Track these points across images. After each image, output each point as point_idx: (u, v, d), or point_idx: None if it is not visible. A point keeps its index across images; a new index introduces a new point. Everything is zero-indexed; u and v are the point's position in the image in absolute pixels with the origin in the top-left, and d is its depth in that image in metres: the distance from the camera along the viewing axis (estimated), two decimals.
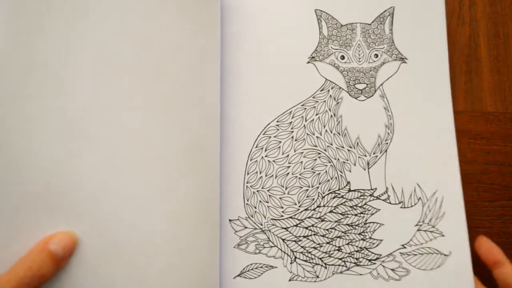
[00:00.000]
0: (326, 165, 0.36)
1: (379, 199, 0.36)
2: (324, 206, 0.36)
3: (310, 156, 0.36)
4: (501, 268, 0.33)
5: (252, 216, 0.35)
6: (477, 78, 0.40)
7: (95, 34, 0.28)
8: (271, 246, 0.35)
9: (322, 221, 0.35)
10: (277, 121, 0.37)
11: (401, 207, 0.36)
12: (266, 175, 0.36)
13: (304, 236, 0.35)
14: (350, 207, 0.36)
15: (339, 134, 0.37)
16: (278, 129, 0.37)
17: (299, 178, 0.36)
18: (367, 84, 0.37)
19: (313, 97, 0.37)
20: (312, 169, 0.36)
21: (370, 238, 0.35)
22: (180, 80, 0.30)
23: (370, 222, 0.35)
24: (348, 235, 0.35)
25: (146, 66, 0.29)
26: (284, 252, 0.35)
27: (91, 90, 0.28)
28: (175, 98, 0.30)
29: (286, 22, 0.39)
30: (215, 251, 0.31)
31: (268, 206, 0.36)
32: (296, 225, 0.35)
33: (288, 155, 0.36)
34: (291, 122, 0.37)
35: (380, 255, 0.35)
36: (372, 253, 0.35)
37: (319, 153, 0.36)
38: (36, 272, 0.24)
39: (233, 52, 0.38)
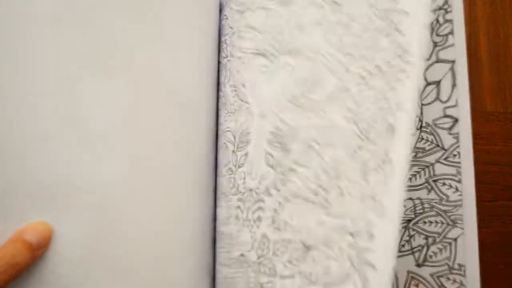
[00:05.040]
0: None
1: None
2: None
3: None
4: None
5: None
6: (477, 78, 0.40)
7: (89, 33, 0.28)
8: None
9: None
10: None
11: None
12: None
13: None
14: None
15: None
16: None
17: None
18: None
19: None
20: None
21: None
22: (174, 79, 0.30)
23: None
24: None
25: (140, 66, 0.29)
26: None
27: (86, 89, 0.27)
28: (169, 95, 0.30)
29: None
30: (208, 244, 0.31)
31: None
32: None
33: None
34: None
35: None
36: None
37: None
38: (10, 259, 0.24)
39: None
